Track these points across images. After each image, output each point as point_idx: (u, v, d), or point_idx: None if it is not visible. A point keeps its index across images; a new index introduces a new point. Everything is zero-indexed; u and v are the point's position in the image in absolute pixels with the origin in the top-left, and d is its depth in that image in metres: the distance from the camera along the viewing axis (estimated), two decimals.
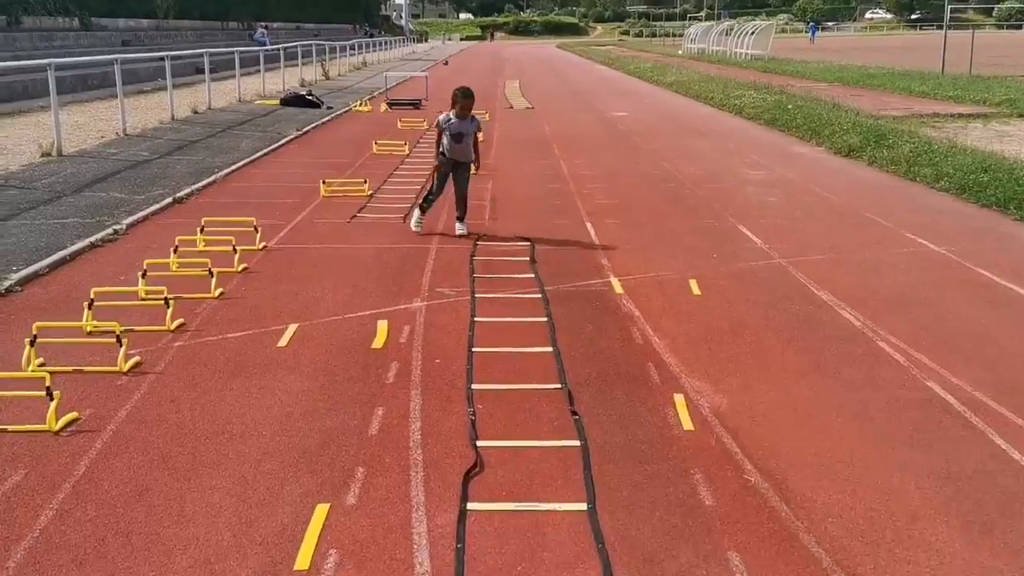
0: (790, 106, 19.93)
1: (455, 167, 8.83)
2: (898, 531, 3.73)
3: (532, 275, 7.46)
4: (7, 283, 6.85)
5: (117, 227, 8.79)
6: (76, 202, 9.89)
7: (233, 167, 12.58)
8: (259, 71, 25.72)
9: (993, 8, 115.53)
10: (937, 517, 3.83)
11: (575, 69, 45.85)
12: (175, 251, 7.47)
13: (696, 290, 7.05)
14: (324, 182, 10.90)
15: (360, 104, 22.08)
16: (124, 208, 9.65)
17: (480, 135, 8.81)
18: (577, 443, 4.45)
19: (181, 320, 6.16)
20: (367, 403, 4.90)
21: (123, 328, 5.85)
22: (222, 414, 4.75)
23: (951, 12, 35.26)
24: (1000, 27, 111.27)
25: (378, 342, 5.82)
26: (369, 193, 10.81)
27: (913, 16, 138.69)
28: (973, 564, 3.51)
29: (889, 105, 22.23)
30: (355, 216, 9.64)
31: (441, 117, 8.80)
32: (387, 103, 22.08)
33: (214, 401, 4.92)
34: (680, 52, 58.37)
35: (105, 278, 7.22)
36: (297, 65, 29.56)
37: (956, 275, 7.54)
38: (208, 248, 7.96)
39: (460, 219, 8.88)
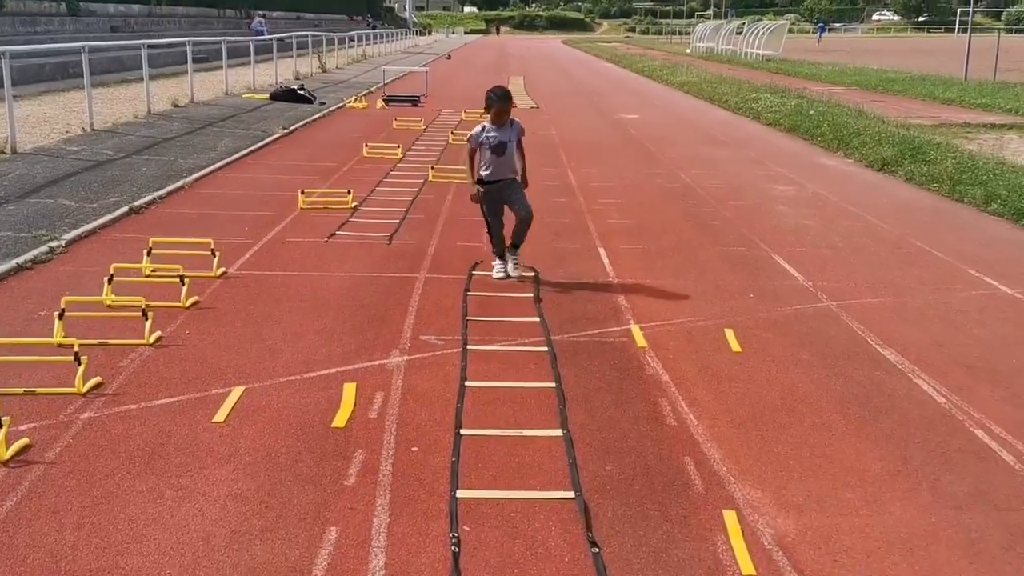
0: (811, 112, 18.70)
1: (503, 190, 7.02)
2: None
3: (537, 318, 6.23)
4: None
5: (55, 244, 7.56)
6: (16, 211, 8.65)
7: (206, 170, 11.34)
8: (253, 62, 24.41)
9: (1002, 12, 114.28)
10: None
11: (581, 66, 44.58)
12: (109, 281, 6.23)
13: (734, 344, 5.82)
14: (303, 192, 9.66)
15: (355, 100, 20.82)
16: (69, 219, 8.42)
17: (523, 138, 7.04)
18: None
19: (98, 379, 4.92)
20: (316, 519, 3.67)
21: (22, 391, 4.67)
22: (117, 536, 3.52)
23: (960, 16, 34.02)
24: (1009, 31, 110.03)
25: (341, 418, 4.59)
26: (353, 205, 9.58)
27: (920, 19, 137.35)
28: None
29: (914, 112, 21.00)
30: (334, 235, 8.40)
31: (474, 131, 6.99)
32: (384, 99, 20.83)
33: (112, 513, 3.69)
34: (688, 51, 57.10)
35: (21, 314, 5.99)
36: (292, 57, 28.26)
37: None
38: (153, 276, 6.74)
39: (515, 247, 7.13)
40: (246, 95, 20.60)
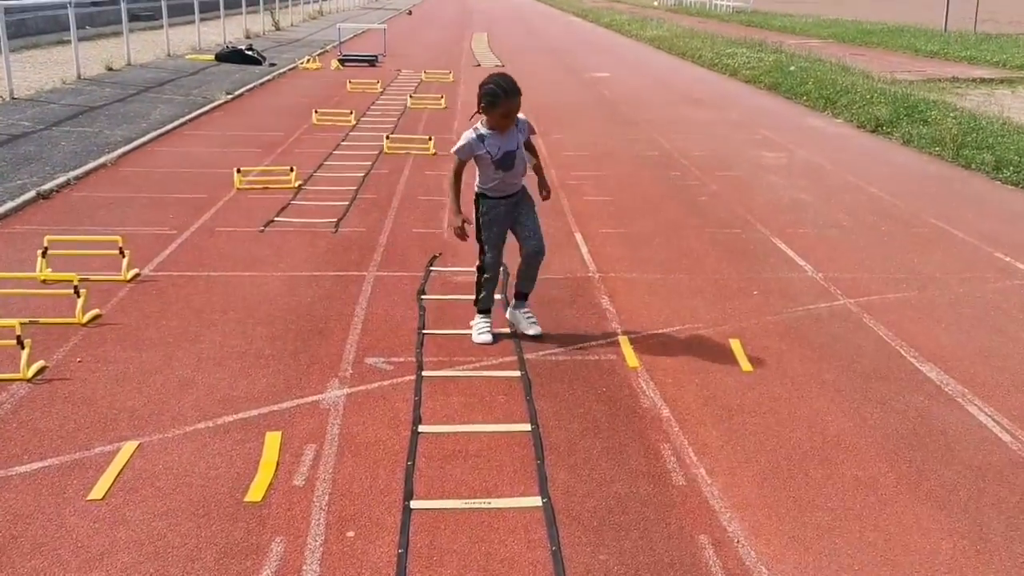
0: (792, 68, 17.72)
1: (516, 208, 5.01)
2: None
3: (505, 329, 5.22)
4: None
5: None
6: None
7: (134, 144, 10.14)
8: (198, 20, 22.93)
9: None
10: None
11: (547, 21, 43.18)
12: None
13: (744, 361, 4.86)
14: (239, 171, 8.53)
15: (308, 60, 19.50)
16: None
17: (535, 137, 5.13)
18: None
19: None
20: None
21: None
22: None
23: None
24: None
25: (257, 488, 3.57)
26: (296, 185, 8.48)
27: None
28: None
29: (899, 66, 20.08)
30: (271, 222, 7.32)
31: (464, 140, 4.84)
32: (339, 59, 19.53)
33: None
34: (656, 3, 55.77)
35: None
36: (242, 13, 26.73)
37: None
38: (47, 287, 5.65)
39: (522, 298, 5.16)
40: (190, 56, 19.22)
